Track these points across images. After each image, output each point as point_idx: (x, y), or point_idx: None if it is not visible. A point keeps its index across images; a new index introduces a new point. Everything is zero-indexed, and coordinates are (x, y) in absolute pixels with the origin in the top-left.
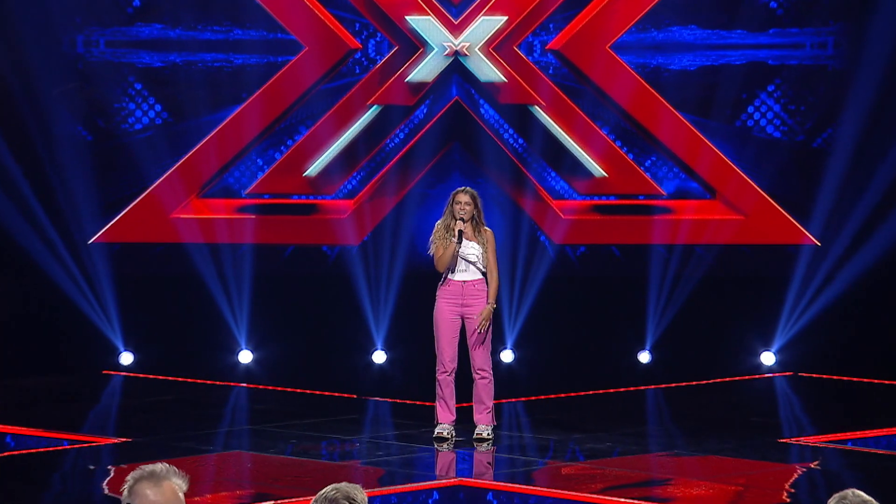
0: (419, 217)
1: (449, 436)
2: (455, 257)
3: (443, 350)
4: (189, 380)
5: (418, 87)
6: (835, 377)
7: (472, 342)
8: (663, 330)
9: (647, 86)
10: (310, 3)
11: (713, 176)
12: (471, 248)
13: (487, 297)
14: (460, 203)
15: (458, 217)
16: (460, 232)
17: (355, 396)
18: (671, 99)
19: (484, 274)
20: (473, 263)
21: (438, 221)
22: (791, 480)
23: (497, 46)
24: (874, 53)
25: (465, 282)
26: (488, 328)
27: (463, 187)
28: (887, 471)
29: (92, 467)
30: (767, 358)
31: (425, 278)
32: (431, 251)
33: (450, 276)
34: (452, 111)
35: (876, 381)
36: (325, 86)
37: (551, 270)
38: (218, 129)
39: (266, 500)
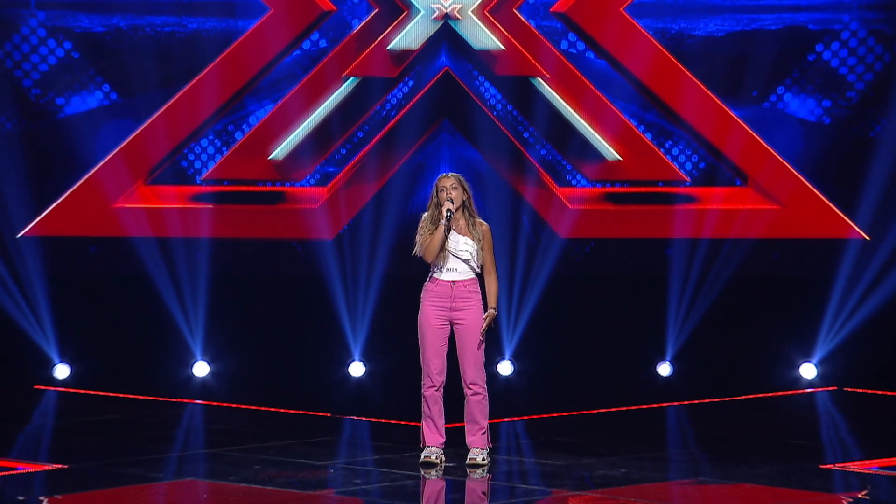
0: (403, 207)
1: (437, 461)
2: (445, 248)
3: (429, 361)
4: (135, 396)
5: (402, 55)
6: (885, 392)
7: (462, 352)
8: (686, 338)
9: (668, 54)
10: None
11: (744, 159)
12: (464, 244)
13: (486, 299)
14: (445, 189)
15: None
16: (449, 212)
17: (329, 415)
18: (696, 70)
19: (477, 274)
20: (467, 262)
21: (424, 214)
22: None
23: (494, 9)
24: None
25: (454, 282)
26: (485, 331)
27: (445, 173)
28: None
29: (21, 498)
30: (808, 370)
31: (411, 279)
32: (417, 250)
33: (437, 275)
34: (442, 84)
35: None
36: (293, 54)
37: (556, 269)
38: (169, 104)
39: None
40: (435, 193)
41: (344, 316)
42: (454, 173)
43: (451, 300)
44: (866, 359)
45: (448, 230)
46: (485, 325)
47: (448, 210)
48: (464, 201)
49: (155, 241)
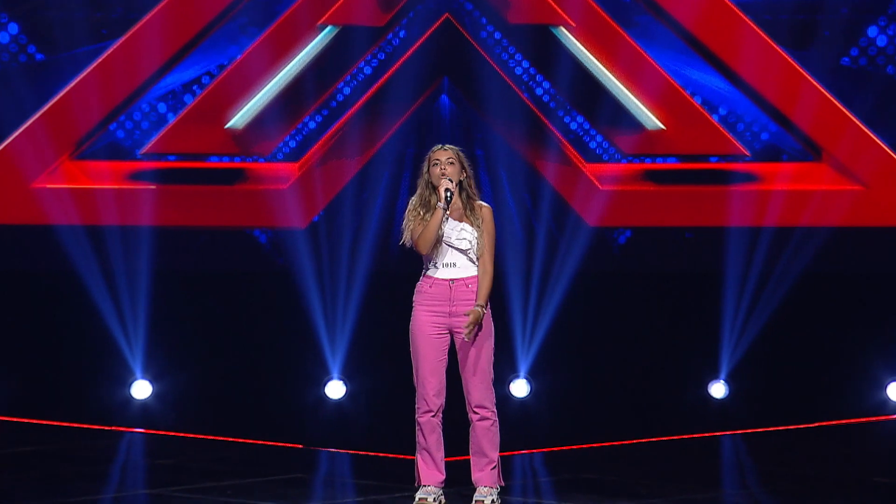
0: (393, 188)
1: (435, 502)
2: (440, 241)
3: (425, 380)
4: (59, 423)
5: None
6: None
7: (466, 368)
8: (745, 351)
9: None
10: None
11: (818, 128)
12: (461, 232)
13: (476, 296)
14: (439, 162)
15: (437, 185)
16: (448, 192)
17: (301, 447)
18: (758, 18)
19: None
20: (465, 252)
21: (412, 198)
22: None
23: None
24: None
25: (453, 280)
26: (473, 333)
27: (440, 144)
28: None
29: None
30: None
31: (402, 277)
32: (406, 238)
33: (431, 273)
34: (441, 35)
35: None
36: None
37: (583, 265)
38: (101, 59)
39: None
40: (426, 169)
41: (319, 323)
42: (451, 146)
43: (451, 303)
44: None
45: (448, 205)
46: (468, 323)
47: (447, 190)
48: (461, 181)
49: (84, 230)
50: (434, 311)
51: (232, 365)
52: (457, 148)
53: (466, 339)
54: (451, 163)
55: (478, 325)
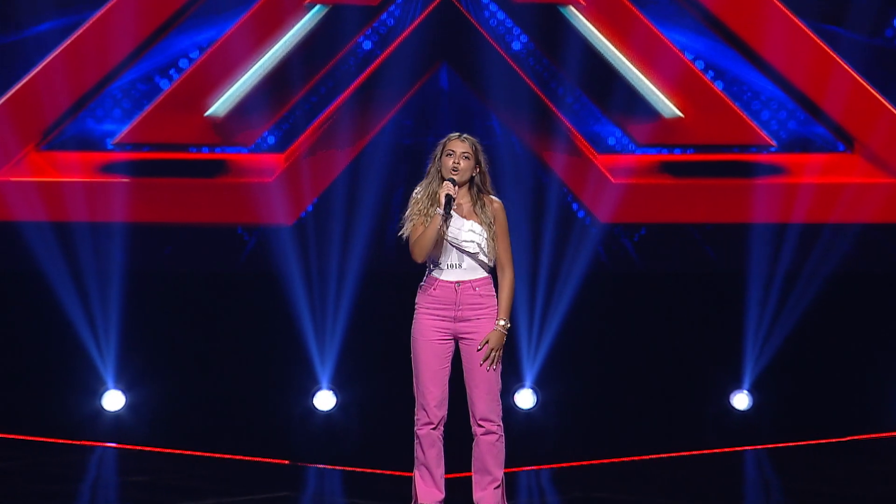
0: (387, 181)
1: None
2: (443, 240)
3: (426, 388)
4: (23, 437)
5: None
6: None
7: (471, 377)
8: (770, 359)
9: None
10: None
11: (850, 115)
12: (469, 232)
13: (497, 309)
14: (453, 154)
15: (447, 177)
16: (449, 197)
17: (288, 462)
18: None
19: (490, 270)
20: (474, 255)
21: (419, 186)
22: None
23: None
24: None
25: (459, 283)
26: (498, 359)
27: (458, 133)
28: None
29: None
30: None
31: (398, 278)
32: (406, 232)
33: (436, 275)
34: (439, 14)
35: None
36: None
37: (593, 265)
38: (69, 41)
39: None
40: (439, 157)
41: (308, 328)
42: (469, 136)
43: (456, 307)
44: None
45: (447, 219)
46: (488, 351)
47: (448, 195)
48: (473, 177)
49: (51, 227)
50: (438, 315)
51: (212, 374)
52: (475, 140)
53: (486, 366)
54: (466, 157)
55: (500, 346)
